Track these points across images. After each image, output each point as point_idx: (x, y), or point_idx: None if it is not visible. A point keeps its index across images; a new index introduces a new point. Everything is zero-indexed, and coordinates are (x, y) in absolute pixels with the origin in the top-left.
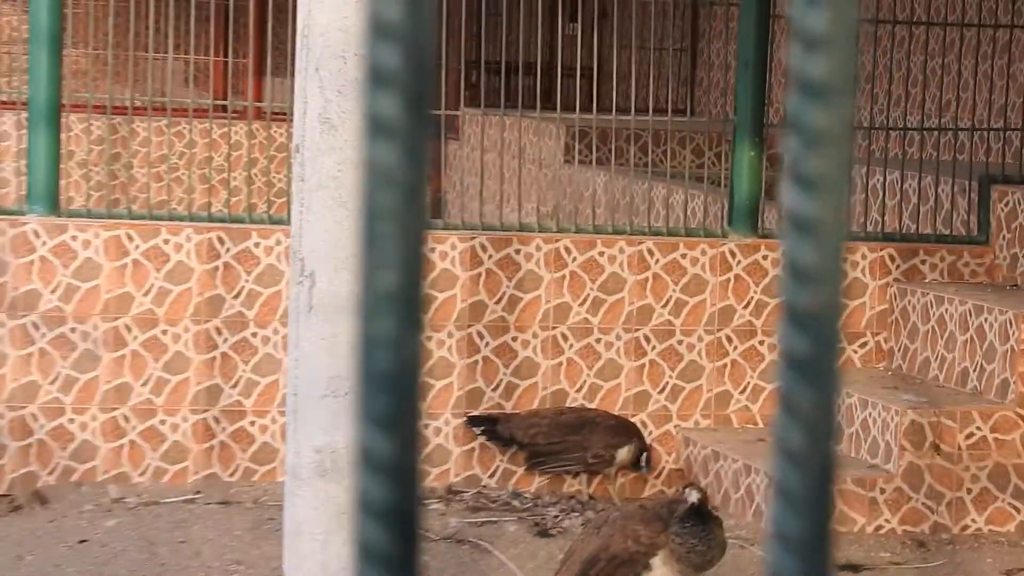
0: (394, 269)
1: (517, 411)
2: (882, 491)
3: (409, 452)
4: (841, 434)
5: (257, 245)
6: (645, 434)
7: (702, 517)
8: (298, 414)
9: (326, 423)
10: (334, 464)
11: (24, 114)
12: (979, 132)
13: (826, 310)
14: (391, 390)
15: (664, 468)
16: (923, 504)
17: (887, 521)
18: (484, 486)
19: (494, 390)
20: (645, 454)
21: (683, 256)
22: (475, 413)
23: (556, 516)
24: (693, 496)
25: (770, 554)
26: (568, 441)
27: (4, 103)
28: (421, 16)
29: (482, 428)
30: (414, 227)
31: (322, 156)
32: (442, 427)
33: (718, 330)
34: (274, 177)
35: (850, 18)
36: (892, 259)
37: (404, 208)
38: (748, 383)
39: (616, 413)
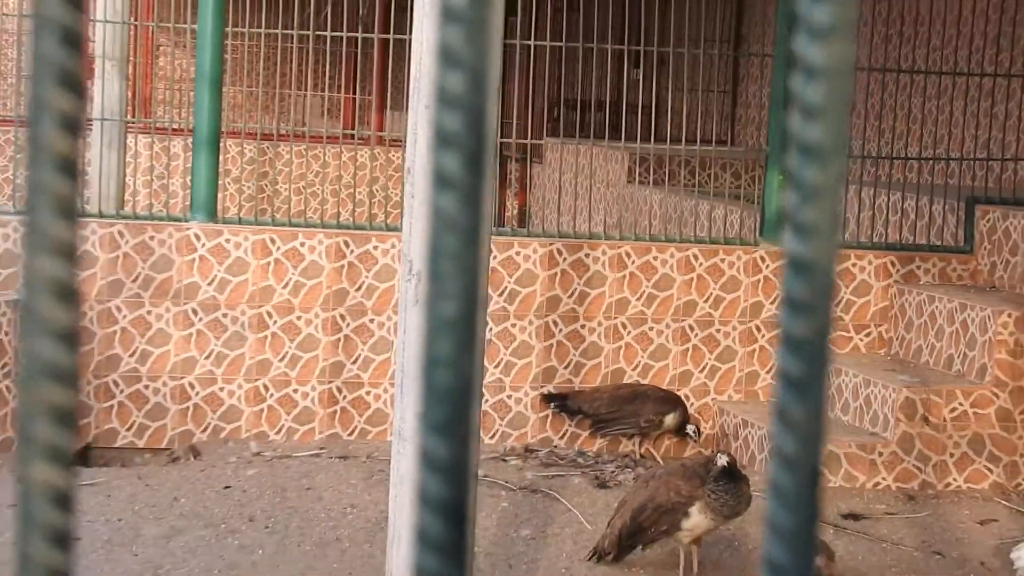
0: (454, 300)
1: (583, 388)
2: (880, 454)
3: (461, 455)
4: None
5: (376, 248)
6: (688, 405)
7: (732, 476)
8: (404, 386)
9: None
10: None
11: (190, 139)
12: (966, 161)
13: (817, 337)
14: (448, 403)
15: (703, 433)
16: (913, 465)
17: (884, 479)
18: (555, 446)
19: (565, 368)
20: (695, 427)
21: (722, 260)
22: (549, 391)
23: (613, 471)
24: (724, 459)
25: (764, 544)
26: (624, 410)
27: (175, 130)
28: (482, 87)
29: (555, 403)
30: (472, 265)
31: (428, 177)
32: (522, 397)
33: (750, 321)
34: (391, 192)
35: (844, 88)
36: (893, 264)
37: (463, 249)
38: (773, 364)
39: (664, 387)
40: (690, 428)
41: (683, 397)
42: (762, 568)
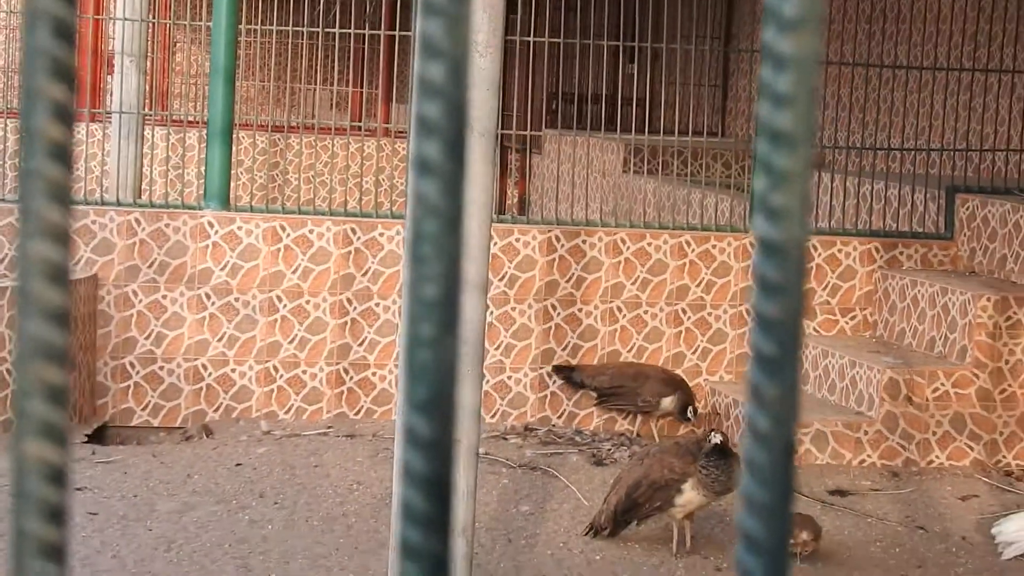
0: (435, 282)
1: (588, 363)
2: (865, 432)
3: (443, 433)
4: (813, 381)
5: (382, 235)
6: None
7: (724, 453)
8: None
9: None
10: None
11: (204, 131)
12: (946, 151)
13: (790, 317)
14: (430, 382)
15: (698, 413)
16: (897, 443)
17: (869, 456)
18: (553, 425)
19: (563, 350)
20: (691, 407)
21: (713, 247)
22: (557, 364)
23: (609, 449)
24: (717, 438)
25: (739, 517)
26: (625, 387)
27: (191, 122)
28: (460, 78)
29: (562, 375)
30: (452, 249)
31: None
32: (522, 378)
33: (740, 305)
34: (396, 182)
35: (812, 78)
36: (877, 250)
37: (444, 234)
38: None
39: (670, 370)
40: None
41: (686, 381)
42: (738, 541)
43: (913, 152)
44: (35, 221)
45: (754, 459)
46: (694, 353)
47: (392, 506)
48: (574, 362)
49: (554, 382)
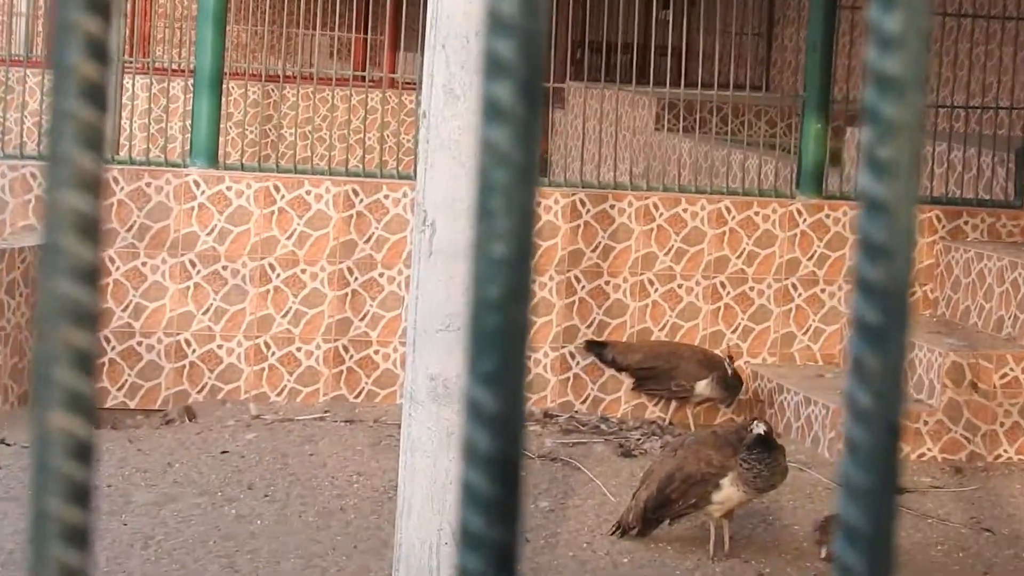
0: (504, 240)
1: (620, 340)
2: (925, 423)
3: (513, 407)
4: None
5: (387, 197)
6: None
7: (767, 445)
8: (416, 345)
9: (440, 354)
10: (446, 390)
11: (191, 80)
12: (1016, 110)
13: (896, 284)
14: (498, 350)
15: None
16: (961, 435)
17: (929, 450)
18: (576, 411)
19: (588, 327)
20: (729, 359)
21: (756, 214)
22: (589, 339)
23: (638, 439)
24: (760, 428)
25: (840, 505)
26: (657, 368)
27: (175, 71)
28: (535, 10)
29: (594, 351)
30: (524, 202)
31: (444, 122)
32: (541, 359)
33: (785, 279)
34: (403, 139)
35: (923, 20)
36: (939, 220)
37: (515, 185)
38: (810, 325)
39: (708, 350)
40: (725, 362)
41: (726, 361)
42: (838, 533)
43: (979, 111)
44: (66, 168)
45: (855, 440)
46: (734, 332)
47: (397, 501)
48: (603, 339)
49: (577, 363)
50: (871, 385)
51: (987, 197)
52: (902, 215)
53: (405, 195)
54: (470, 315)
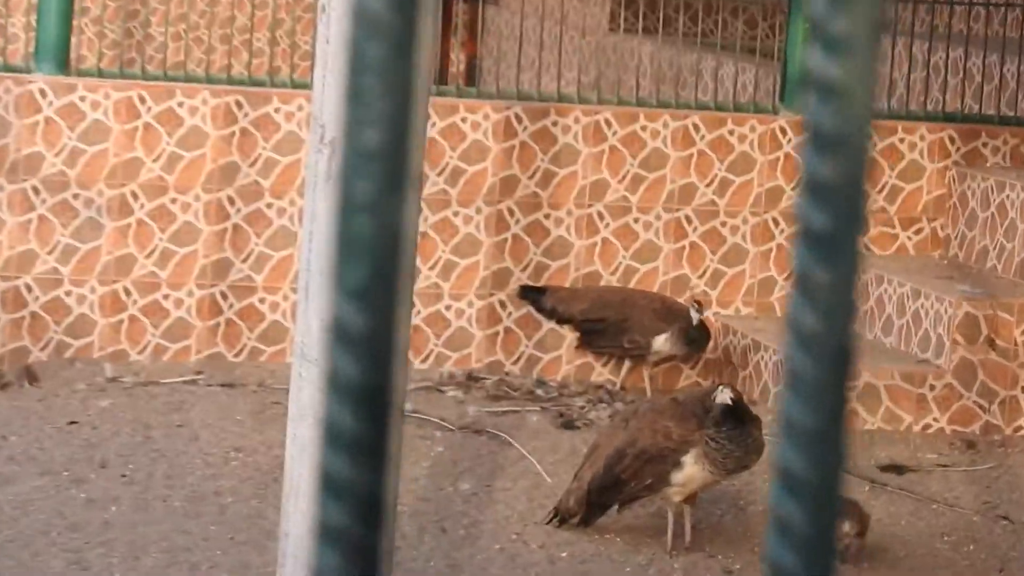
0: (378, 127)
1: (563, 286)
2: (932, 388)
3: (383, 328)
4: (861, 317)
5: (277, 111)
6: (696, 319)
7: (738, 416)
8: (310, 291)
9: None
10: None
11: None
12: None
13: (849, 181)
14: (368, 259)
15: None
16: (975, 402)
17: (936, 420)
18: (507, 373)
19: (523, 270)
20: (696, 304)
21: (731, 132)
22: (528, 284)
23: (582, 407)
24: (725, 397)
25: (778, 447)
26: (607, 321)
27: None
28: None
29: (530, 298)
30: (402, 82)
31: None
32: (465, 308)
33: (764, 212)
34: (299, 39)
35: None
36: (952, 141)
37: (392, 61)
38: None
39: (670, 297)
40: (692, 309)
41: (693, 308)
42: (774, 478)
43: (1004, 8)
44: None
45: (797, 369)
46: (701, 277)
47: (284, 482)
48: (542, 284)
49: (509, 314)
50: (818, 303)
51: (1011, 114)
52: (857, 100)
53: (300, 108)
54: (337, 217)
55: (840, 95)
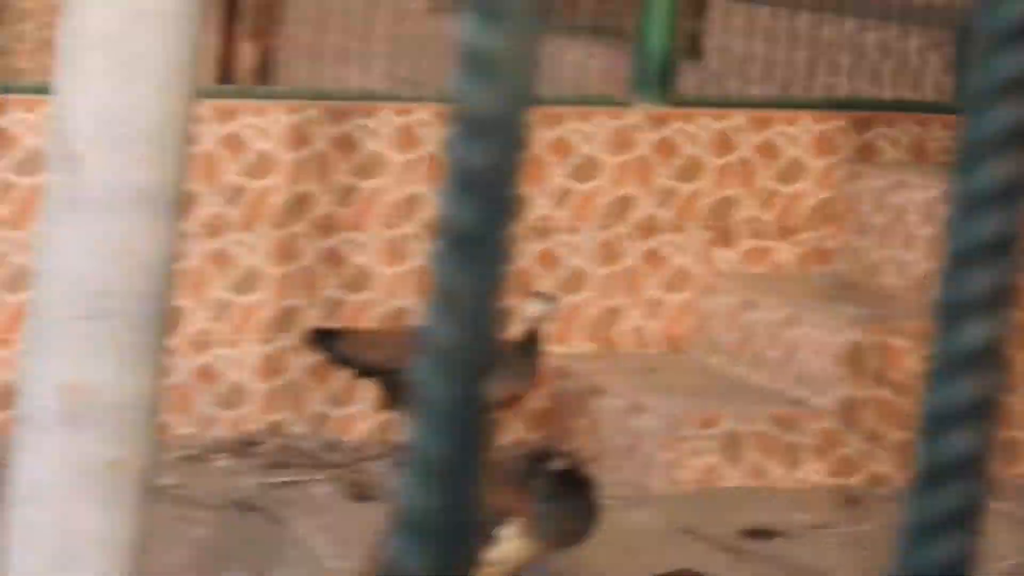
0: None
1: (362, 328)
2: (807, 434)
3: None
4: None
5: (18, 121)
6: (528, 362)
7: (573, 483)
8: (44, 341)
9: (80, 353)
10: (88, 408)
11: None
12: None
13: (498, 168)
14: None
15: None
16: (860, 449)
17: (814, 472)
18: (292, 435)
19: (315, 309)
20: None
21: (574, 132)
22: (321, 327)
23: (382, 473)
24: (557, 465)
25: (402, 478)
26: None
27: None
28: None
29: (324, 345)
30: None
31: (102, 6)
32: (242, 358)
33: (613, 225)
34: (42, 34)
35: None
36: (843, 132)
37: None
38: (648, 296)
39: None
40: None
41: (519, 347)
42: (394, 517)
43: None
44: None
45: (431, 391)
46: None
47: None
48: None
49: (296, 365)
50: (455, 311)
51: (916, 98)
52: (513, 74)
53: (43, 118)
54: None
55: (493, 67)
